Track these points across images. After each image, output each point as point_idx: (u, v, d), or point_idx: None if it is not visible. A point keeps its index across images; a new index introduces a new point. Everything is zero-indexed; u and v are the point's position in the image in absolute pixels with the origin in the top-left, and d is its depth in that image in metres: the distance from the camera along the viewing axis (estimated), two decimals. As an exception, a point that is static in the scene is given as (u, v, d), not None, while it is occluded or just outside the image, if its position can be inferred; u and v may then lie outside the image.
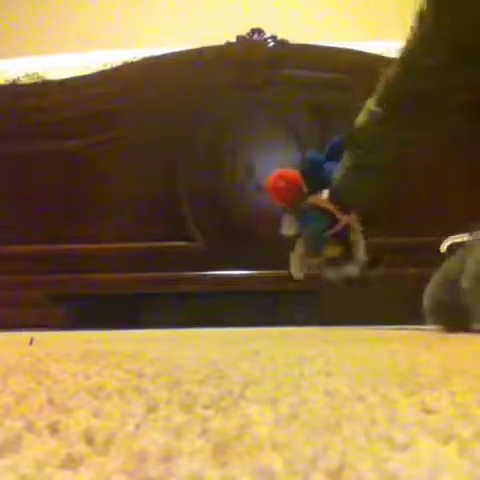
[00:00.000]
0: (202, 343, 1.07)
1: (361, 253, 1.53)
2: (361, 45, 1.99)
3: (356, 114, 2.00)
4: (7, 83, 2.05)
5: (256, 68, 1.96)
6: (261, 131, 2.00)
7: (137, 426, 0.31)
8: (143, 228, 2.01)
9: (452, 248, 1.58)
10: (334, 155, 1.47)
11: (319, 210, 1.47)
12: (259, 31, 1.97)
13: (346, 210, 1.47)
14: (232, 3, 2.86)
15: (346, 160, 1.43)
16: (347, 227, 1.51)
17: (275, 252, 1.97)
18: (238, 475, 0.22)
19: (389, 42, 2.06)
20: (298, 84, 1.98)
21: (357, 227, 1.52)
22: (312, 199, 1.48)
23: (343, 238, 1.52)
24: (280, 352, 0.77)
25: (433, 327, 1.30)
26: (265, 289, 1.98)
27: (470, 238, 1.46)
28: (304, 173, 1.50)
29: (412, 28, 1.36)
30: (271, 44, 1.96)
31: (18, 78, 2.04)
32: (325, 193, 1.46)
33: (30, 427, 0.31)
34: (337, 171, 1.44)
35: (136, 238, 2.00)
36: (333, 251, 1.53)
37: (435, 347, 0.85)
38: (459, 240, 1.55)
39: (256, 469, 0.22)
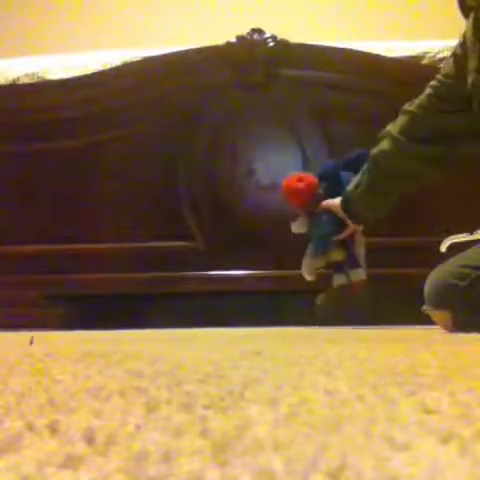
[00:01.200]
0: (202, 343, 1.07)
1: (363, 260, 1.59)
2: (361, 45, 1.99)
3: (355, 114, 2.01)
4: (6, 83, 2.04)
5: (256, 68, 1.96)
6: (261, 131, 2.00)
7: (137, 426, 0.31)
8: (142, 228, 2.01)
9: (452, 248, 1.59)
10: (351, 166, 1.55)
11: (330, 215, 1.54)
12: (259, 31, 1.97)
13: (354, 219, 1.52)
14: (232, 3, 2.86)
15: (363, 178, 1.46)
16: (353, 234, 1.57)
17: (275, 252, 1.97)
18: (238, 475, 0.22)
19: (389, 42, 2.07)
20: (298, 84, 1.97)
21: (360, 237, 1.60)
22: (325, 203, 1.55)
23: (348, 244, 1.58)
24: (280, 352, 0.77)
25: (434, 311, 1.31)
26: (265, 289, 1.98)
27: (470, 238, 1.48)
28: (321, 178, 1.57)
29: (443, 68, 1.37)
30: (271, 44, 1.96)
31: (18, 78, 2.04)
32: (338, 200, 1.53)
33: (30, 427, 0.31)
34: (352, 184, 1.49)
35: (135, 238, 2.00)
36: (338, 255, 1.58)
37: (435, 347, 0.85)
38: (459, 240, 1.58)
39: (256, 469, 0.22)
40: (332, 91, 1.97)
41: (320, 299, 1.65)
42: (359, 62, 1.96)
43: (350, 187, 1.50)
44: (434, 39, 2.04)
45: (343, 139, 1.97)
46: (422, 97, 1.40)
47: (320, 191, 1.56)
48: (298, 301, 1.99)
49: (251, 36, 1.97)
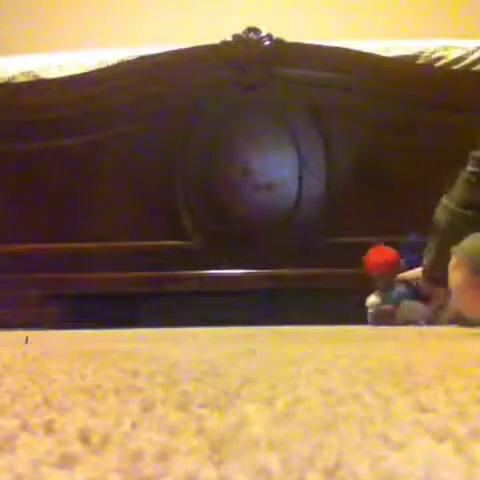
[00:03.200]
0: (198, 342, 1.07)
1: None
2: (357, 44, 1.99)
3: (350, 113, 2.01)
4: (3, 82, 2.04)
5: (252, 66, 1.96)
6: (257, 129, 2.00)
7: (133, 425, 0.31)
8: (140, 227, 2.01)
9: None
10: None
11: (406, 286, 1.70)
12: (255, 30, 1.97)
13: (438, 284, 1.54)
14: (228, 2, 2.86)
15: (435, 248, 1.45)
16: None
17: (271, 251, 1.97)
18: (234, 474, 0.22)
19: (385, 41, 2.07)
20: (294, 83, 1.97)
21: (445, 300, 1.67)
22: (402, 276, 1.70)
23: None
24: (276, 351, 0.77)
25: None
26: (261, 287, 1.98)
27: None
28: (404, 250, 1.71)
29: None
30: (267, 43, 1.96)
31: (13, 77, 2.03)
32: (417, 270, 1.60)
33: (25, 426, 0.31)
34: (427, 253, 1.50)
35: (132, 237, 2.00)
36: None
37: (430, 346, 0.86)
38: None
39: (252, 468, 0.22)
40: (328, 90, 1.97)
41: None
42: (355, 61, 1.96)
43: (426, 257, 1.52)
44: (430, 38, 2.04)
45: (338, 138, 1.97)
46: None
47: (401, 264, 1.70)
48: (293, 300, 1.99)
49: (247, 35, 1.97)
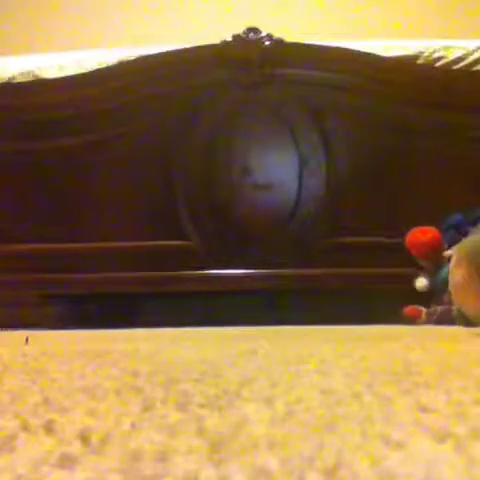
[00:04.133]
0: (198, 342, 1.07)
1: None
2: (357, 44, 1.99)
3: (351, 113, 2.01)
4: (3, 81, 2.04)
5: (252, 67, 1.96)
6: (257, 130, 2.00)
7: (133, 425, 0.31)
8: (139, 227, 2.01)
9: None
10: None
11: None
12: (255, 30, 1.97)
13: None
14: (228, 2, 2.86)
15: None
16: None
17: (271, 251, 1.97)
18: (234, 474, 0.22)
19: (385, 41, 2.07)
20: (294, 83, 1.97)
21: None
22: (448, 253, 1.60)
23: None
24: (276, 351, 0.77)
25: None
26: (261, 288, 1.98)
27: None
28: (446, 230, 1.67)
29: None
30: (267, 43, 1.96)
31: (13, 77, 2.03)
32: None
33: (25, 426, 0.31)
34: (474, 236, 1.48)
35: (132, 237, 2.00)
36: None
37: (431, 346, 0.85)
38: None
39: (252, 468, 0.22)
40: (328, 90, 1.97)
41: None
42: (355, 61, 1.96)
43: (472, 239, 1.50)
44: (430, 38, 2.04)
45: (339, 138, 1.97)
46: None
47: (444, 242, 1.65)
48: (293, 300, 1.99)
49: (247, 35, 1.96)
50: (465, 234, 1.61)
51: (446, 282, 1.61)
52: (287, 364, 0.58)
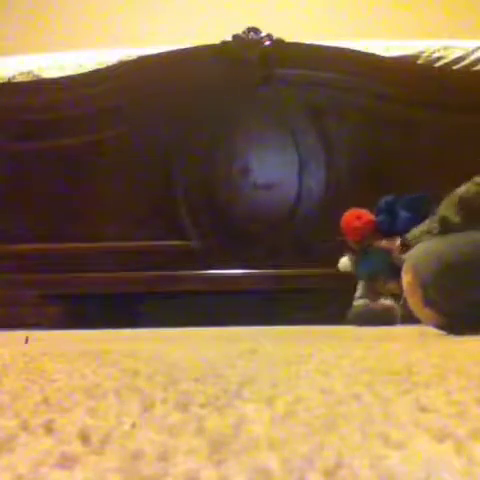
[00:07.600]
0: (198, 342, 1.07)
1: None
2: (357, 44, 1.99)
3: (350, 113, 2.01)
4: (3, 81, 2.03)
5: (252, 67, 1.96)
6: (257, 130, 2.00)
7: (133, 425, 0.31)
8: (139, 227, 2.00)
9: None
10: (410, 206, 1.61)
11: (383, 254, 1.63)
12: (255, 30, 1.97)
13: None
14: (228, 2, 2.86)
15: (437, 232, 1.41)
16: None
17: (270, 251, 1.97)
18: (234, 474, 0.22)
19: (385, 41, 2.07)
20: (294, 83, 1.97)
21: None
22: (383, 244, 1.65)
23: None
24: (276, 351, 0.77)
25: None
26: (261, 287, 1.98)
27: None
28: (378, 211, 1.68)
29: None
30: (267, 43, 1.96)
31: (13, 76, 2.03)
32: (397, 241, 1.58)
33: (25, 426, 0.31)
34: (418, 230, 1.45)
35: (132, 237, 2.00)
36: (395, 288, 1.62)
37: (430, 346, 0.86)
38: None
39: (252, 468, 0.22)
40: (328, 90, 1.97)
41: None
42: (355, 61, 1.96)
43: (412, 233, 1.48)
44: (430, 38, 2.04)
45: (339, 138, 1.97)
46: None
47: (377, 229, 1.66)
48: (293, 300, 1.99)
49: (247, 35, 1.96)
50: (396, 218, 1.62)
51: (366, 273, 1.67)
52: (287, 364, 0.58)
